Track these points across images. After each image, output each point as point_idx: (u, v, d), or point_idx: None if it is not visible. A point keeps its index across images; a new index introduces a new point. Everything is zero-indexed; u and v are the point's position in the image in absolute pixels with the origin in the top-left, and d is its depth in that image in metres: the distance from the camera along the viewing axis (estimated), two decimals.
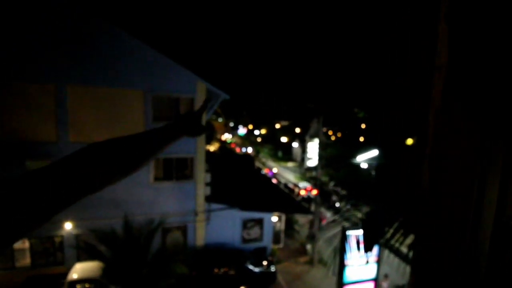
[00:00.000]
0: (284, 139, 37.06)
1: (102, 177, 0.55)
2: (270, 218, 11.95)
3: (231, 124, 48.57)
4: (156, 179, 9.92)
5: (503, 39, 0.62)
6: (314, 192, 16.75)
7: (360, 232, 6.50)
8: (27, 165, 8.28)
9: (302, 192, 18.98)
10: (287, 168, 31.59)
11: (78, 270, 7.95)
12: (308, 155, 24.32)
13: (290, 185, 20.76)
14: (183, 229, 10.44)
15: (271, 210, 11.88)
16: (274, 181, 19.81)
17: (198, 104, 10.16)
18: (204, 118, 10.49)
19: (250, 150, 35.99)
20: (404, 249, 3.64)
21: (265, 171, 25.50)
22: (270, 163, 33.00)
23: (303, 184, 20.97)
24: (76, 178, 0.51)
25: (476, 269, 0.68)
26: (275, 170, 27.47)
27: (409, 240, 3.30)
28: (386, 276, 8.42)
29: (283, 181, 23.12)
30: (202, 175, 10.38)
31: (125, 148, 0.61)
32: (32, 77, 8.37)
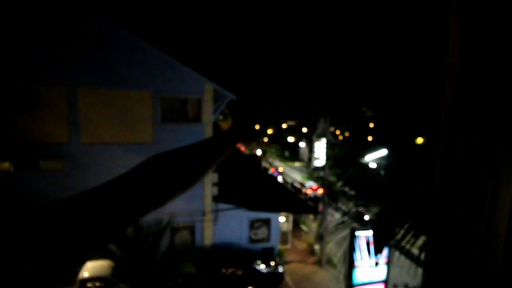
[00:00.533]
0: (291, 139, 36.95)
1: (165, 191, 0.59)
2: (277, 218, 11.93)
3: None
4: None
5: None
6: (320, 191, 17.09)
7: (369, 233, 6.42)
8: (41, 164, 8.48)
9: (309, 191, 19.25)
10: (294, 168, 31.49)
11: (89, 269, 8.10)
12: (315, 155, 24.18)
13: (297, 185, 21.10)
14: (191, 229, 10.51)
15: (278, 210, 11.85)
16: (280, 180, 20.09)
17: (205, 104, 10.22)
18: (212, 118, 10.55)
19: (259, 151, 35.96)
20: (415, 251, 3.57)
21: (271, 170, 25.74)
22: (277, 162, 32.95)
23: (309, 183, 21.18)
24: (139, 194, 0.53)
25: (490, 270, 0.66)
26: (281, 170, 27.63)
27: (420, 241, 3.24)
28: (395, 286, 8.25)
29: (289, 180, 23.30)
30: (209, 176, 10.43)
31: (185, 160, 0.69)
32: (46, 79, 8.57)
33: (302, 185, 21.36)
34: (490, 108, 0.69)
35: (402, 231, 3.34)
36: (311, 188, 19.78)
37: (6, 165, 8.21)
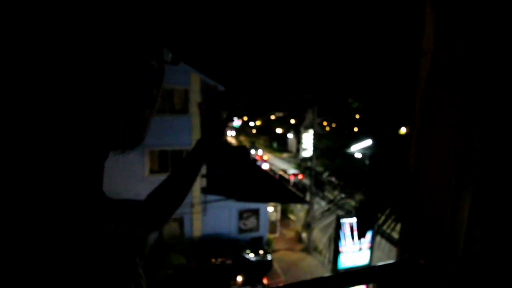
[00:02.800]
0: (279, 130, 37.12)
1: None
2: (266, 208, 12.10)
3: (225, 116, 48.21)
4: (152, 171, 9.91)
5: (493, 21, 0.65)
6: (300, 177, 20.56)
7: (354, 220, 6.65)
8: None
9: (291, 178, 21.36)
10: (283, 159, 31.82)
11: None
12: (303, 145, 24.52)
13: (279, 172, 22.76)
14: (180, 221, 10.53)
15: (266, 200, 12.02)
16: (266, 168, 21.51)
17: (192, 95, 10.09)
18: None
19: (247, 143, 36.04)
20: (395, 235, 3.76)
21: (256, 157, 26.63)
22: (266, 153, 33.20)
23: (291, 170, 23.19)
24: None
25: (455, 247, 0.74)
26: (266, 158, 29.00)
27: (400, 225, 3.41)
28: None
29: (274, 168, 24.30)
30: None
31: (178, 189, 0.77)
32: None
33: (285, 171, 23.09)
34: (463, 97, 0.74)
35: (383, 217, 3.51)
36: (293, 175, 21.80)
37: None
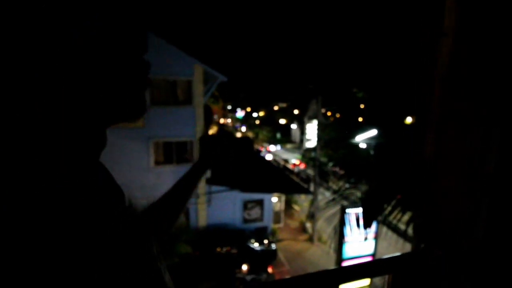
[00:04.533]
0: (282, 121, 36.95)
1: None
2: (270, 199, 12.17)
3: (229, 107, 48.22)
4: (157, 163, 9.98)
5: None
6: (302, 166, 21.61)
7: (359, 210, 6.66)
8: None
9: (293, 167, 22.43)
10: (286, 149, 31.89)
11: None
12: (307, 136, 24.47)
13: (281, 161, 23.54)
14: (186, 211, 10.66)
15: (271, 191, 12.08)
16: (270, 158, 22.30)
17: (195, 86, 10.02)
18: (202, 101, 10.40)
19: (250, 133, 36.05)
20: (401, 226, 3.75)
21: (260, 148, 27.44)
22: (269, 145, 33.34)
23: (292, 160, 24.21)
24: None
25: (474, 238, 0.72)
26: (269, 149, 29.76)
27: (407, 216, 3.40)
28: None
29: (277, 159, 24.88)
30: None
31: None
32: None
33: (286, 161, 23.96)
34: (487, 79, 0.69)
35: (389, 208, 3.50)
36: (294, 164, 22.84)
37: None
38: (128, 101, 0.35)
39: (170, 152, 10.14)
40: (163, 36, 9.40)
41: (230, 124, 42.12)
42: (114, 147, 9.18)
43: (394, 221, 3.60)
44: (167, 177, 10.22)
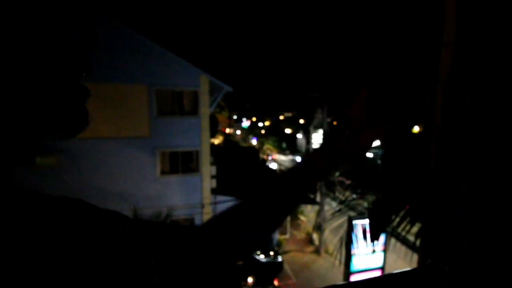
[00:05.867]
0: (288, 131, 36.97)
1: None
2: None
3: (235, 117, 48.56)
4: (163, 172, 10.02)
5: None
6: None
7: (366, 221, 6.53)
8: (37, 161, 8.44)
9: None
10: (293, 159, 31.83)
11: None
12: (313, 146, 24.40)
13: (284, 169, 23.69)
14: (191, 222, 10.60)
15: None
16: (275, 167, 22.06)
17: (201, 97, 10.14)
18: (208, 111, 10.50)
19: (255, 143, 36.17)
20: (411, 237, 3.65)
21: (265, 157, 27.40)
22: (275, 154, 33.35)
23: None
24: None
25: (482, 254, 0.69)
26: (274, 157, 30.27)
27: (416, 228, 3.31)
28: None
29: (283, 168, 24.81)
30: (207, 168, 10.47)
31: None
32: None
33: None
34: (488, 87, 0.69)
35: (398, 218, 3.42)
36: None
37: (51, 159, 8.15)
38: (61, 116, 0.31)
39: (176, 162, 10.20)
40: (169, 47, 9.62)
41: (240, 136, 42.18)
42: (120, 157, 9.29)
43: (403, 233, 3.50)
44: (173, 187, 10.23)
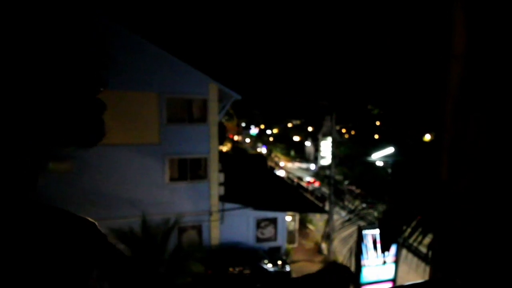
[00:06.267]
0: (296, 138, 36.82)
1: None
2: (284, 218, 11.91)
3: (243, 124, 48.77)
4: (171, 179, 10.10)
5: None
6: (316, 184, 21.39)
7: (376, 231, 6.37)
8: (50, 166, 8.64)
9: (308, 184, 22.40)
10: (301, 167, 31.55)
11: None
12: (321, 153, 24.18)
13: (294, 179, 23.38)
14: (198, 228, 10.59)
15: (284, 209, 11.84)
16: (283, 175, 22.24)
17: (210, 105, 10.24)
18: (217, 119, 10.59)
19: (264, 150, 36.09)
20: (423, 249, 3.54)
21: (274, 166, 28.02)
22: (283, 162, 33.21)
23: (306, 178, 24.26)
24: None
25: (495, 266, 0.67)
26: (282, 164, 30.66)
27: (428, 239, 3.21)
28: None
29: (291, 176, 24.73)
30: (215, 175, 10.49)
31: None
32: None
33: (300, 178, 24.14)
34: (498, 100, 0.68)
35: (409, 229, 3.32)
36: (309, 182, 22.86)
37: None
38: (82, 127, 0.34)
39: (185, 169, 10.27)
40: (180, 56, 9.82)
41: (249, 145, 42.12)
42: (130, 163, 9.42)
43: (415, 244, 3.40)
44: (181, 193, 10.28)
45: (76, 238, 0.35)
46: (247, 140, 44.50)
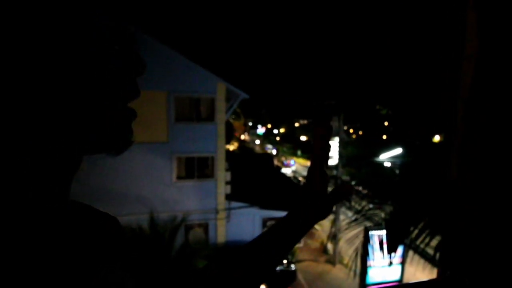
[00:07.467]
0: (303, 138, 36.69)
1: None
2: None
3: (250, 123, 48.78)
4: (179, 177, 10.22)
5: None
6: None
7: (383, 232, 6.33)
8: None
9: None
10: (306, 166, 31.60)
11: None
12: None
13: (301, 178, 23.17)
14: (205, 227, 10.69)
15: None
16: (290, 173, 21.87)
17: (218, 103, 10.31)
18: (224, 118, 10.66)
19: (271, 150, 36.11)
20: (430, 250, 3.51)
21: (285, 162, 27.99)
22: (291, 161, 33.23)
23: None
24: None
25: (504, 266, 0.68)
26: (292, 163, 30.19)
27: (436, 240, 3.19)
28: None
29: (297, 175, 24.48)
30: (222, 174, 10.56)
31: None
32: None
33: (303, 177, 24.10)
34: (510, 101, 0.69)
35: (416, 230, 3.30)
36: None
37: None
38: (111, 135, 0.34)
39: (192, 167, 10.37)
40: (189, 55, 9.91)
41: (259, 147, 42.04)
42: (139, 161, 9.57)
43: (422, 246, 3.38)
44: (188, 192, 10.39)
45: (103, 232, 0.38)
46: (257, 141, 44.37)
